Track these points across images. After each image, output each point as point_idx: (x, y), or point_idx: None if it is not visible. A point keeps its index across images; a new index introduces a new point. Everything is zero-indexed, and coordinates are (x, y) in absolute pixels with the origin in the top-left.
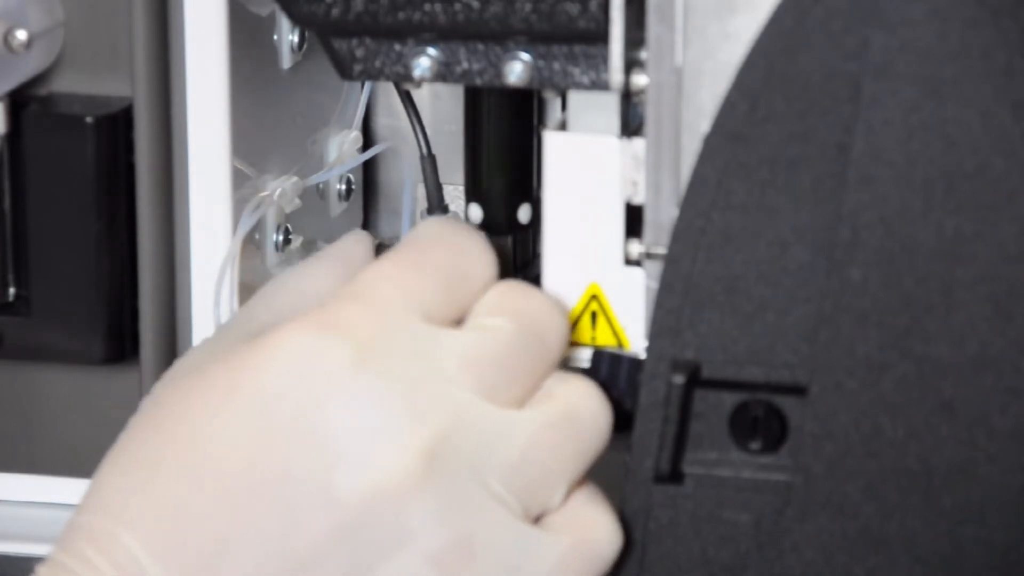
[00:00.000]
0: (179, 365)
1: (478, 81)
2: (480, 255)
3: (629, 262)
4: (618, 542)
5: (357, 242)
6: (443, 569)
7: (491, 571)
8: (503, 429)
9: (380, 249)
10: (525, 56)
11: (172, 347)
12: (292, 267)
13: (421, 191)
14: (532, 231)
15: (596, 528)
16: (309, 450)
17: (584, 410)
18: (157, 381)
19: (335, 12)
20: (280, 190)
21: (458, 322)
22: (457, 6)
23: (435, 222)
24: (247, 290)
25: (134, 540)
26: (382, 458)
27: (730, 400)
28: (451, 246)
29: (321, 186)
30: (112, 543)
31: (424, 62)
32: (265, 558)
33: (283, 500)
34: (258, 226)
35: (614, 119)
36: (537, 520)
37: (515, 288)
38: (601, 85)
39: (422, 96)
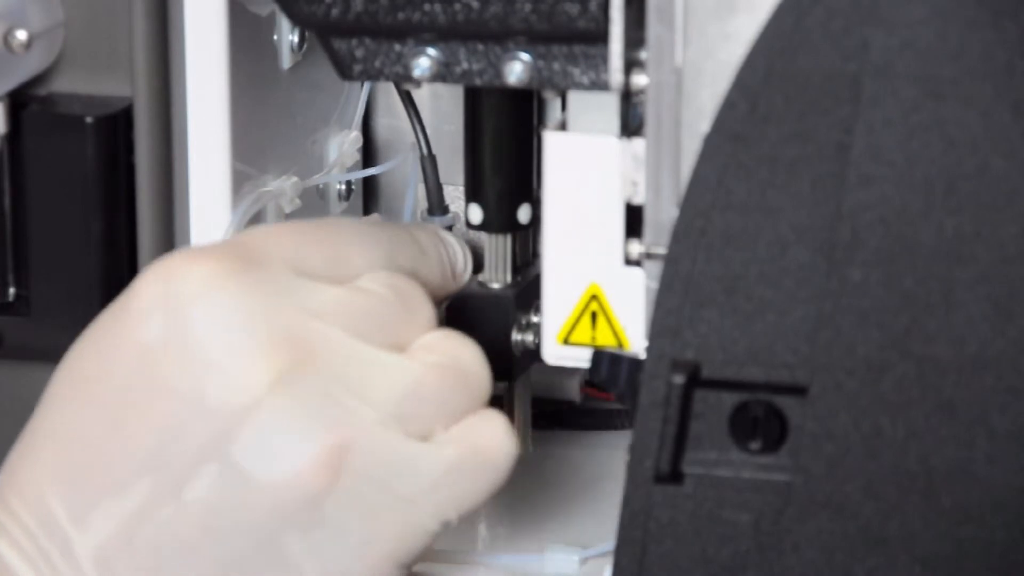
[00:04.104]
0: None
1: (478, 81)
2: (366, 245)
3: (629, 262)
4: (512, 451)
5: None
6: (317, 478)
7: (366, 482)
8: (382, 364)
9: None
10: (525, 56)
11: None
12: None
13: (421, 191)
14: (532, 231)
15: (487, 439)
16: (181, 362)
17: (467, 360)
18: None
19: (335, 12)
20: (280, 190)
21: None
22: (457, 6)
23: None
24: None
25: (43, 479)
26: (249, 368)
27: (730, 400)
28: (338, 230)
29: (321, 186)
30: (26, 488)
31: (424, 62)
32: (145, 473)
33: (160, 413)
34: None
35: (614, 119)
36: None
37: (393, 274)
38: (601, 85)
39: (422, 96)
